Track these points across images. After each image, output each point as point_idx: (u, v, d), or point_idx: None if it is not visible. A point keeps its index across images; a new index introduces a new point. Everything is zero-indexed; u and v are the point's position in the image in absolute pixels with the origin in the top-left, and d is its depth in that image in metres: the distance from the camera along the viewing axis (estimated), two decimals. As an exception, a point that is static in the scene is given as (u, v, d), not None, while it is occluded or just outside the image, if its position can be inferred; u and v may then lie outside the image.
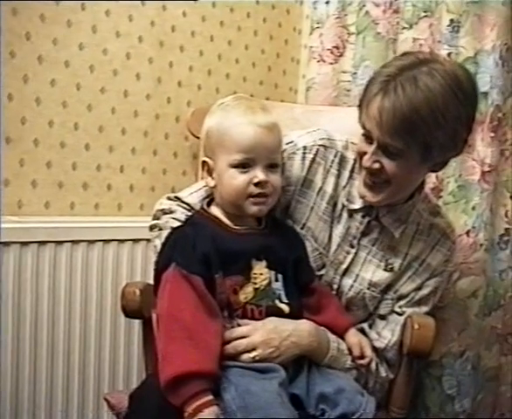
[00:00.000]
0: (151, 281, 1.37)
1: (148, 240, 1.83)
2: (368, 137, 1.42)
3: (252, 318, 1.32)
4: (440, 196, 1.94)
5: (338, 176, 1.52)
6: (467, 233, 1.91)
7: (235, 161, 1.32)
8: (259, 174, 1.32)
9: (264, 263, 1.34)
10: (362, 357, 1.42)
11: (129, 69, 2.02)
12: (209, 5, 2.16)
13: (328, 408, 1.31)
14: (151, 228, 1.51)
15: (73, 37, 1.91)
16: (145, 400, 1.30)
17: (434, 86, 1.34)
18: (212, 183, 1.38)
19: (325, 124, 1.67)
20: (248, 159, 1.32)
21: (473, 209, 1.92)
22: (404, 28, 2.01)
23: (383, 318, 1.54)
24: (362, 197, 1.48)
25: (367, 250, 1.52)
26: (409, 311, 1.53)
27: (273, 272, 1.35)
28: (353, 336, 1.44)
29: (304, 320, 1.38)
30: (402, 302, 1.53)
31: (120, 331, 1.98)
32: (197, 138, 1.95)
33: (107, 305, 1.94)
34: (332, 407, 1.30)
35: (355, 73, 2.09)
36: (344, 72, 2.14)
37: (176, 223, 1.44)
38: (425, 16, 1.98)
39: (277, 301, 1.35)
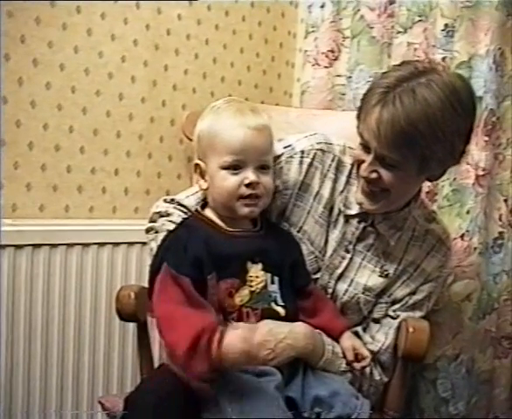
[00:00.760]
0: (146, 284, 1.38)
1: (143, 243, 1.84)
2: (366, 146, 1.42)
3: (248, 320, 1.32)
4: (435, 200, 1.95)
5: (335, 181, 1.53)
6: (462, 237, 1.92)
7: (226, 163, 1.33)
8: (249, 175, 1.33)
9: (260, 265, 1.34)
10: (355, 361, 1.42)
11: (124, 72, 2.02)
12: (204, 8, 2.16)
13: (323, 411, 1.31)
14: (147, 230, 1.51)
15: (68, 40, 1.91)
16: (140, 403, 1.29)
17: (432, 99, 1.33)
18: (205, 186, 1.39)
19: (320, 128, 1.67)
20: (239, 160, 1.33)
21: (468, 212, 1.92)
22: (398, 32, 2.02)
23: (377, 321, 1.54)
24: (359, 204, 1.49)
25: (362, 256, 1.53)
26: (403, 315, 1.53)
27: (269, 275, 1.35)
28: (347, 340, 1.44)
29: (299, 323, 1.38)
30: (396, 306, 1.54)
31: (114, 334, 1.98)
32: (192, 141, 1.95)
33: (102, 309, 1.94)
34: (327, 410, 1.31)
35: (349, 77, 2.10)
36: (339, 76, 2.14)
37: (173, 226, 1.43)
38: (420, 20, 1.99)
39: (273, 304, 1.35)
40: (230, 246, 1.34)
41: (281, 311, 1.36)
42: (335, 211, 1.52)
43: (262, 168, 1.35)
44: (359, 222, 1.51)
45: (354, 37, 2.08)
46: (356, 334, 1.50)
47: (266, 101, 2.29)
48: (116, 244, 1.96)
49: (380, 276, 1.52)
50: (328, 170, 1.53)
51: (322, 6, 2.13)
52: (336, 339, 1.44)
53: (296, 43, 2.37)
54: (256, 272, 1.34)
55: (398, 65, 1.45)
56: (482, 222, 1.93)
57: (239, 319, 1.31)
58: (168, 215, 1.49)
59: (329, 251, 1.52)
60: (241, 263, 1.32)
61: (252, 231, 1.39)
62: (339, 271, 1.52)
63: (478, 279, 1.95)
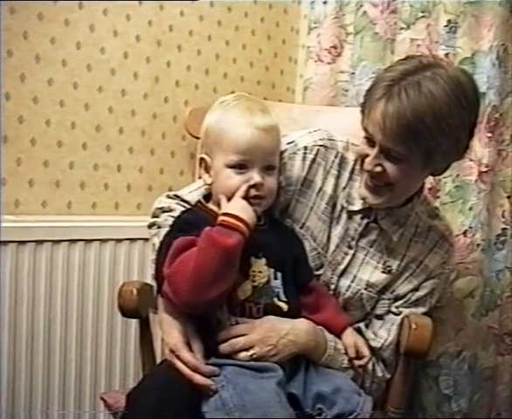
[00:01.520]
0: (148, 280, 1.38)
1: (146, 239, 1.84)
2: (370, 140, 1.42)
3: (251, 315, 1.32)
4: (438, 197, 1.95)
5: (338, 177, 1.52)
6: (464, 233, 1.91)
7: (231, 162, 1.33)
8: (254, 176, 1.33)
9: (263, 260, 1.34)
10: (357, 358, 1.42)
11: (127, 68, 2.02)
12: (206, 5, 2.16)
13: (325, 407, 1.31)
14: (150, 226, 1.51)
15: (71, 37, 1.91)
16: (143, 399, 1.29)
17: (438, 93, 1.33)
18: (209, 180, 1.39)
19: (323, 124, 1.66)
20: (244, 160, 1.32)
21: (471, 209, 1.92)
22: (401, 28, 2.01)
23: (379, 318, 1.54)
24: (363, 199, 1.48)
25: (365, 252, 1.52)
26: (406, 311, 1.53)
27: (272, 270, 1.35)
28: (349, 336, 1.44)
29: (302, 319, 1.39)
30: (399, 302, 1.53)
31: (116, 330, 1.98)
32: (195, 137, 1.95)
33: (104, 305, 1.94)
34: (329, 406, 1.30)
35: (352, 73, 2.09)
36: (342, 72, 2.14)
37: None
38: (423, 16, 1.98)
39: (276, 299, 1.35)
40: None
41: (284, 306, 1.36)
42: (338, 207, 1.52)
43: (268, 168, 1.35)
44: (362, 218, 1.51)
45: (357, 33, 2.08)
46: (359, 331, 1.50)
47: (268, 97, 2.28)
48: (119, 240, 1.96)
49: (383, 272, 1.52)
50: (331, 166, 1.52)
51: (325, 2, 2.12)
52: (338, 335, 1.44)
53: (299, 39, 2.38)
54: (259, 267, 1.34)
55: (403, 60, 1.45)
56: (485, 218, 1.93)
57: (242, 314, 1.32)
58: (170, 210, 1.49)
59: (332, 247, 1.51)
60: (244, 257, 1.31)
61: (255, 226, 1.39)
62: (342, 267, 1.52)
63: (481, 276, 1.94)
